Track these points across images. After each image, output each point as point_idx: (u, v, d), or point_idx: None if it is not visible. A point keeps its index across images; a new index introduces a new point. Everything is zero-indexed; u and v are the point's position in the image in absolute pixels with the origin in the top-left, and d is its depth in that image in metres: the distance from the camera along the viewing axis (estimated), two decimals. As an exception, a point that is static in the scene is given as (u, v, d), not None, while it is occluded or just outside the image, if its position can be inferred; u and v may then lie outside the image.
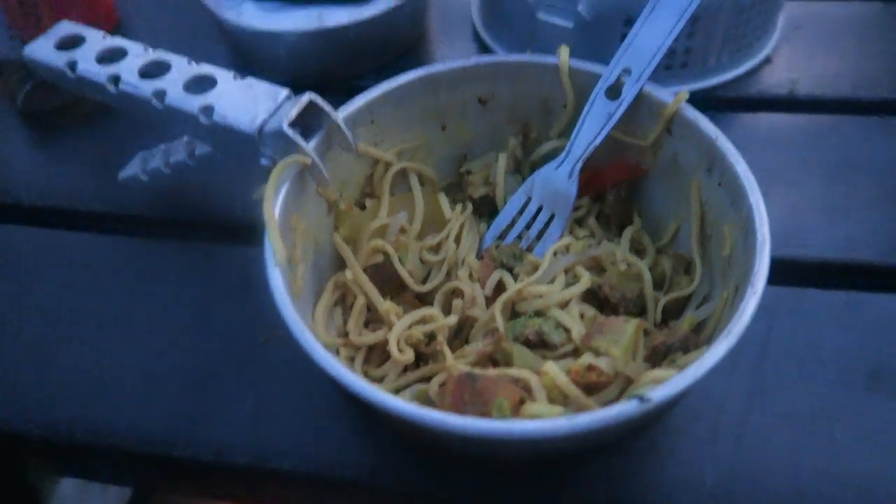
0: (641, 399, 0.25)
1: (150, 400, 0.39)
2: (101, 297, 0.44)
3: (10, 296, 0.45)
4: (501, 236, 0.41)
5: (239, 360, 0.40)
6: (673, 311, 0.37)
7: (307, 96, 0.35)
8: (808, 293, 0.41)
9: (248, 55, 0.57)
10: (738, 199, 0.33)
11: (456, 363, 0.33)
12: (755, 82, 0.54)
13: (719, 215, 0.35)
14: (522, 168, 0.43)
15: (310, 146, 0.35)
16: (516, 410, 0.29)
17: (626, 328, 0.32)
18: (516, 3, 0.53)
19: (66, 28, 0.40)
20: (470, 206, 0.42)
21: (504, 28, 0.57)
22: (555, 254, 0.38)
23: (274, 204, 0.33)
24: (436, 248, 0.40)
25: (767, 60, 0.56)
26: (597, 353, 0.31)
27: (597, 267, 0.38)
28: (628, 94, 0.38)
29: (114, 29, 0.66)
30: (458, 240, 0.40)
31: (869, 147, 0.48)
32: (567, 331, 0.33)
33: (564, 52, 0.39)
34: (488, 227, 0.42)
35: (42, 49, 0.39)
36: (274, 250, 0.32)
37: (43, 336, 0.42)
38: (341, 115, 0.37)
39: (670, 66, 0.52)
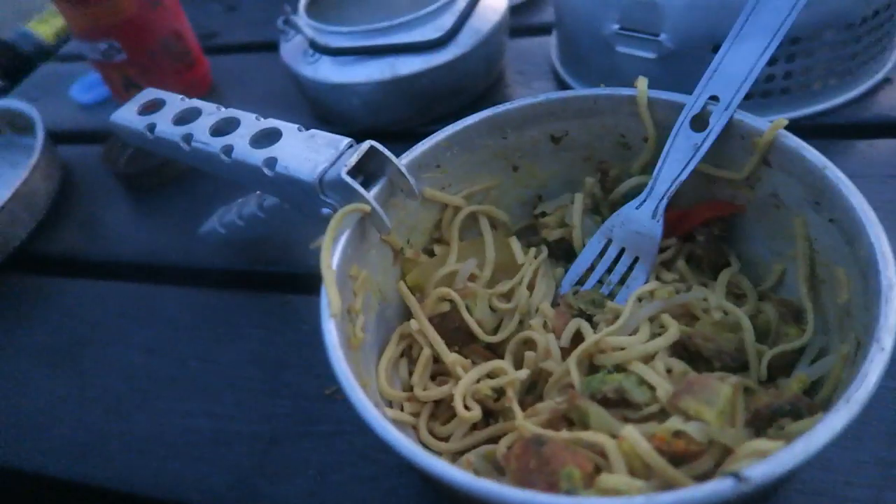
0: (738, 477, 0.21)
1: (216, 465, 0.38)
2: (179, 355, 0.45)
3: (94, 353, 0.47)
4: (580, 282, 0.38)
5: (306, 419, 0.39)
6: (781, 368, 0.32)
7: (367, 143, 0.34)
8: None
9: (326, 109, 0.58)
10: (855, 237, 0.28)
11: (525, 423, 0.30)
12: (871, 106, 0.48)
13: (832, 256, 0.30)
14: (602, 208, 0.40)
15: (371, 194, 0.34)
16: (589, 482, 0.25)
17: (722, 388, 0.27)
18: (594, 39, 0.51)
19: (149, 94, 0.42)
20: (545, 251, 0.39)
21: (583, 65, 0.55)
22: (639, 300, 0.34)
23: (332, 253, 0.32)
24: (508, 296, 0.38)
25: (887, 81, 0.50)
26: (686, 417, 0.27)
27: (687, 315, 0.34)
28: (717, 124, 0.34)
29: (206, 94, 0.69)
30: (531, 286, 0.38)
31: None
32: (652, 389, 0.29)
33: (642, 82, 0.36)
34: (565, 273, 0.39)
35: (126, 115, 0.41)
36: (329, 301, 0.30)
37: (122, 395, 0.43)
38: (404, 160, 0.36)
39: (769, 93, 0.47)
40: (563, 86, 0.57)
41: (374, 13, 0.62)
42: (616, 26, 0.48)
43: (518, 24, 0.66)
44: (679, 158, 0.35)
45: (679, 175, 0.35)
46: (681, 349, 0.32)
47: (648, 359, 0.31)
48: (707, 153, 0.35)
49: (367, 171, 0.36)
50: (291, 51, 0.57)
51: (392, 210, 0.37)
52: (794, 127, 0.47)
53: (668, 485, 0.25)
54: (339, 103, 0.56)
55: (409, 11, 0.53)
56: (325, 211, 0.35)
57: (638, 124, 0.37)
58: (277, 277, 0.48)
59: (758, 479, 0.21)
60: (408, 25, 0.53)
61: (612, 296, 0.37)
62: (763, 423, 0.27)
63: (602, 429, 0.28)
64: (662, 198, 0.36)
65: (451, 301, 0.36)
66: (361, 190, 0.33)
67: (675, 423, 0.26)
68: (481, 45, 0.54)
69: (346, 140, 0.35)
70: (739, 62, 0.34)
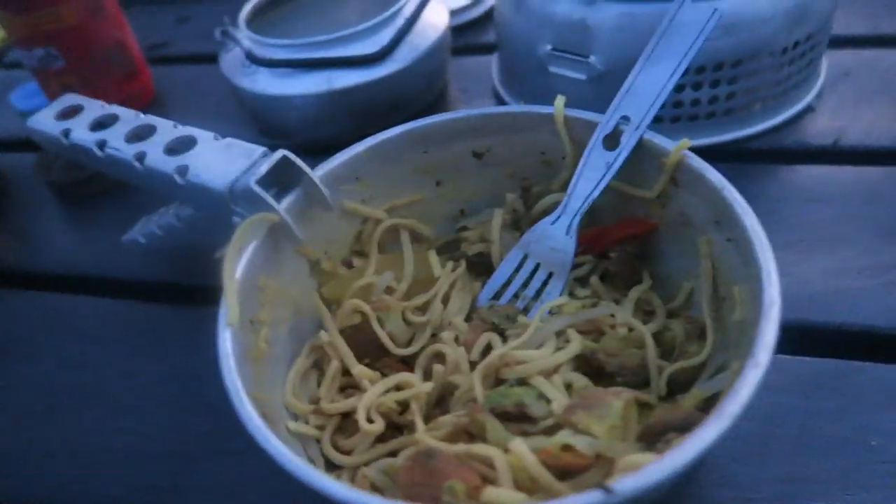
0: (606, 490, 0.21)
1: (129, 485, 0.37)
2: (97, 369, 0.44)
3: (7, 365, 0.45)
4: (498, 297, 0.38)
5: (224, 436, 0.38)
6: (683, 384, 0.32)
7: (279, 153, 0.34)
8: (856, 367, 0.35)
9: (265, 121, 0.58)
10: (748, 257, 0.28)
11: (423, 436, 0.29)
12: (795, 132, 0.50)
13: (731, 274, 0.31)
14: (522, 224, 0.40)
15: (282, 205, 0.34)
16: (475, 495, 0.25)
17: (615, 403, 0.27)
18: (530, 59, 0.51)
19: (68, 100, 0.41)
20: (463, 265, 0.39)
21: (520, 85, 0.55)
22: (551, 314, 0.34)
23: (236, 264, 0.32)
24: (423, 309, 0.37)
25: (809, 109, 0.51)
26: (577, 431, 0.27)
27: (596, 331, 0.34)
28: (628, 143, 0.34)
29: (148, 105, 0.69)
30: (446, 300, 0.37)
31: (927, 199, 0.42)
32: (550, 402, 0.29)
33: (560, 101, 0.37)
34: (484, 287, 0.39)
35: (43, 120, 0.40)
36: (227, 311, 0.30)
37: (35, 410, 0.42)
38: (319, 172, 0.36)
39: (695, 117, 0.48)
40: (502, 104, 0.58)
41: (320, 28, 0.62)
42: (549, 47, 0.49)
43: (462, 43, 0.66)
44: (592, 176, 0.35)
45: (592, 192, 0.35)
46: (586, 364, 0.32)
47: (551, 373, 0.31)
48: (621, 172, 0.35)
49: (283, 181, 0.35)
50: (231, 62, 0.57)
51: (309, 221, 0.36)
52: (724, 151, 0.49)
53: (552, 498, 0.24)
54: (276, 116, 0.56)
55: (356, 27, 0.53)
56: (237, 221, 0.34)
57: (557, 142, 0.38)
58: (199, 289, 0.47)
59: (625, 491, 0.21)
60: (346, 40, 0.53)
61: (527, 310, 0.37)
62: (654, 438, 0.27)
63: (497, 442, 0.28)
64: (576, 215, 0.36)
65: (364, 313, 0.35)
66: (270, 200, 0.33)
67: (564, 436, 0.26)
68: (420, 62, 0.54)
69: (261, 149, 0.35)
70: (650, 84, 0.34)
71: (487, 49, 0.63)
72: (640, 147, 0.34)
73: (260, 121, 0.58)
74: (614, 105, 0.35)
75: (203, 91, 0.69)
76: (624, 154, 0.34)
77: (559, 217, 0.37)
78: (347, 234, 0.39)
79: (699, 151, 0.48)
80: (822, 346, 0.37)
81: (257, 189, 0.32)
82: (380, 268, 0.39)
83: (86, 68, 0.63)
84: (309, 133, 0.56)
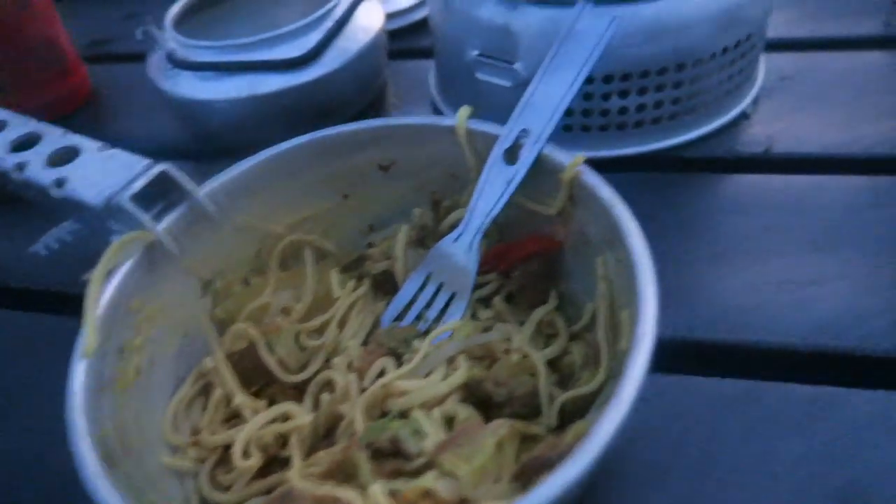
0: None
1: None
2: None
3: None
4: (401, 317, 0.37)
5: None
6: (579, 413, 0.30)
7: (158, 168, 0.32)
8: (765, 389, 0.34)
9: (190, 125, 0.56)
10: (631, 281, 0.27)
11: (293, 474, 0.28)
12: (728, 140, 0.48)
13: (623, 298, 0.29)
14: (429, 241, 0.38)
15: (164, 223, 0.32)
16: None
17: (487, 441, 0.26)
18: (459, 65, 0.50)
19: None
20: (367, 284, 0.38)
21: (452, 90, 0.54)
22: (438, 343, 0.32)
23: (103, 287, 0.30)
24: (321, 331, 0.36)
25: (744, 116, 0.50)
26: (443, 472, 0.25)
27: (490, 357, 0.32)
28: (526, 158, 0.33)
29: (82, 104, 0.66)
30: (344, 322, 0.36)
31: (854, 212, 0.41)
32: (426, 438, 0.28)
33: (464, 112, 0.35)
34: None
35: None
36: (84, 340, 0.28)
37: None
38: (208, 187, 0.34)
39: (623, 125, 0.47)
40: (438, 112, 0.56)
41: (257, 30, 0.60)
42: (475, 53, 0.47)
43: (403, 46, 0.64)
44: (493, 192, 0.34)
45: (492, 210, 0.34)
46: (475, 395, 0.31)
47: (435, 404, 0.30)
48: (524, 187, 0.34)
49: (169, 197, 0.34)
50: (155, 64, 0.55)
51: (198, 239, 0.35)
52: (652, 160, 0.48)
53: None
54: (200, 120, 0.53)
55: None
56: (115, 238, 0.32)
57: (462, 155, 0.36)
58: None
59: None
60: (270, 42, 0.51)
61: (428, 332, 0.35)
62: (531, 476, 0.26)
63: (364, 483, 0.26)
64: (476, 233, 0.34)
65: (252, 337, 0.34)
66: (143, 217, 0.31)
67: (427, 479, 0.25)
68: (349, 66, 0.52)
69: (144, 162, 0.33)
70: (549, 95, 0.33)
71: (427, 54, 0.61)
72: (540, 162, 0.33)
73: (187, 124, 0.56)
74: (514, 118, 0.33)
75: (140, 92, 0.67)
76: (523, 170, 0.33)
77: (461, 235, 0.35)
78: (246, 251, 0.37)
79: (629, 161, 0.48)
80: (736, 365, 0.36)
81: (129, 206, 0.31)
82: (279, 286, 0.37)
83: (11, 65, 0.61)
84: (235, 138, 0.53)
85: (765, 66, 0.53)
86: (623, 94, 0.45)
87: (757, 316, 0.37)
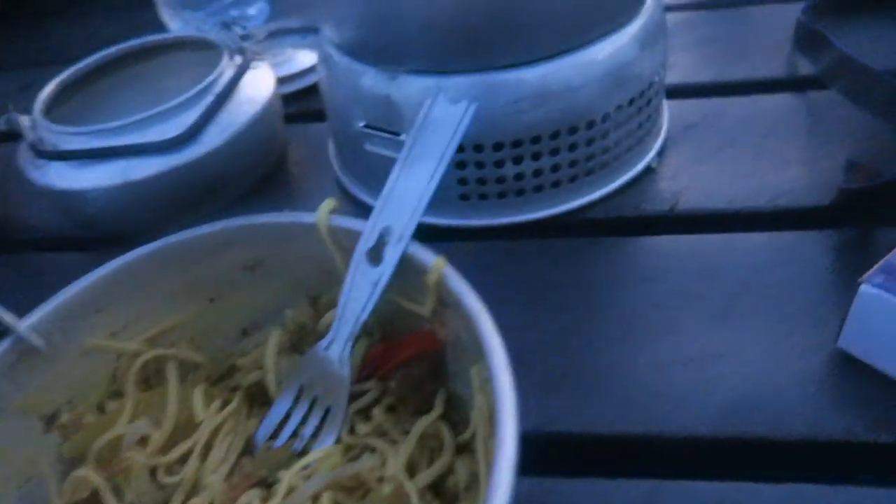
0: None
1: None
2: None
3: None
4: (276, 435, 0.33)
5: None
6: (462, 545, 0.27)
7: (-34, 302, 0.28)
8: (670, 488, 0.31)
9: (69, 214, 0.51)
10: (494, 404, 0.24)
11: None
12: (632, 199, 0.46)
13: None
14: (306, 344, 0.35)
15: (-23, 361, 0.28)
16: None
17: None
18: (348, 136, 0.47)
19: None
20: (236, 400, 0.34)
21: (347, 161, 0.51)
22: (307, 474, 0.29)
23: None
24: (183, 462, 0.32)
25: (649, 170, 0.48)
26: None
27: (362, 487, 0.29)
28: (390, 260, 0.30)
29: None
30: (209, 450, 0.32)
31: (760, 274, 0.39)
32: None
33: (326, 207, 0.32)
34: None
35: None
36: None
37: None
38: (39, 313, 0.30)
39: (522, 191, 0.44)
40: (339, 180, 0.53)
41: (142, 107, 0.56)
42: (362, 124, 0.45)
43: (305, 108, 0.62)
44: (361, 296, 0.31)
45: (360, 315, 0.31)
46: (346, 534, 0.27)
47: (295, 555, 0.26)
48: (399, 284, 0.31)
49: (-6, 326, 0.30)
50: (24, 150, 0.51)
51: (36, 371, 0.31)
52: (556, 225, 0.45)
53: None
54: (75, 209, 0.49)
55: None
56: (-75, 384, 0.28)
57: (330, 252, 0.33)
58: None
59: None
60: (144, 124, 0.47)
61: (305, 452, 0.32)
62: None
63: None
64: (347, 340, 0.31)
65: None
66: (-55, 365, 0.27)
67: None
68: (233, 142, 0.49)
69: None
70: (409, 190, 0.30)
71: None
72: (406, 261, 0.30)
73: (63, 213, 0.52)
74: (374, 215, 0.31)
75: (12, 176, 0.62)
76: (388, 272, 0.30)
77: (331, 343, 0.32)
78: (100, 374, 0.33)
79: (532, 227, 0.45)
80: (642, 462, 0.33)
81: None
82: (138, 411, 0.33)
83: None
84: (115, 226, 0.50)
85: (669, 115, 0.51)
86: (517, 160, 0.43)
87: (661, 402, 0.34)
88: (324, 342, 0.32)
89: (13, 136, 0.60)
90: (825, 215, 0.41)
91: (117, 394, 0.34)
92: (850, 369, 0.33)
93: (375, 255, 0.30)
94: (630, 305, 0.39)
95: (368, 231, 0.30)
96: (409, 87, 0.42)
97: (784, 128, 0.49)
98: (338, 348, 0.31)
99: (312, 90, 0.64)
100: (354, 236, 0.31)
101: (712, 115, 0.52)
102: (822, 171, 0.44)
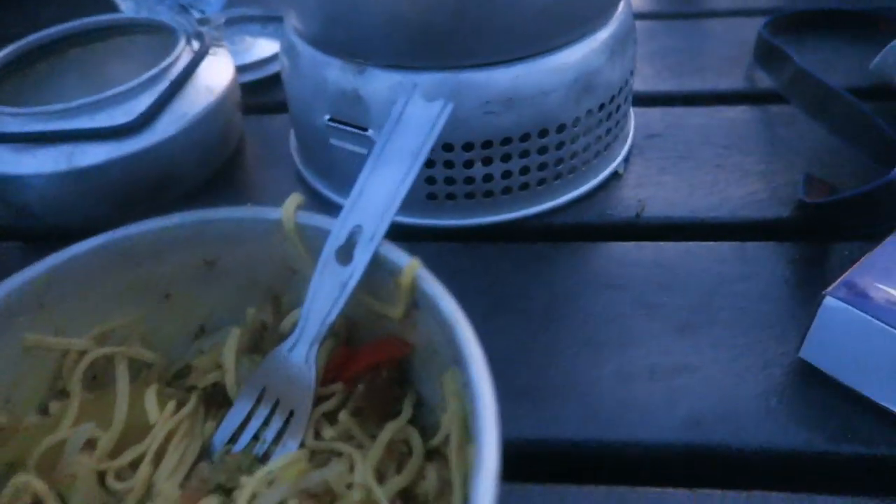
0: None
1: None
2: None
3: None
4: (235, 439, 0.31)
5: None
6: (432, 555, 0.26)
7: None
8: (638, 495, 0.31)
9: (8, 202, 0.48)
10: (473, 413, 0.23)
11: None
12: (599, 204, 0.46)
13: (472, 424, 0.25)
14: (267, 344, 0.34)
15: None
16: None
17: None
18: (312, 129, 0.45)
19: None
20: (192, 402, 0.32)
21: (309, 154, 0.49)
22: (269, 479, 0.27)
23: None
24: (134, 467, 0.30)
25: (616, 176, 0.48)
26: None
27: (329, 495, 0.28)
28: (361, 260, 0.29)
29: None
30: (162, 455, 0.30)
31: (722, 285, 0.40)
32: None
33: (292, 203, 0.31)
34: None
35: None
36: None
37: None
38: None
39: (490, 193, 0.44)
40: (300, 174, 0.51)
41: (94, 92, 0.53)
42: (327, 117, 0.43)
43: (263, 100, 0.60)
44: (328, 297, 0.29)
45: (327, 316, 0.29)
46: (311, 545, 0.26)
47: (256, 569, 0.25)
48: (368, 284, 0.29)
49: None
50: (-41, 132, 0.47)
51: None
52: (522, 228, 0.45)
53: None
54: (15, 196, 0.46)
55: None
56: None
57: (295, 250, 0.31)
58: None
59: None
60: (92, 108, 0.45)
61: (267, 456, 0.30)
62: None
63: None
64: (313, 342, 0.30)
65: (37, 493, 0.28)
66: None
67: None
68: (188, 131, 0.47)
69: None
70: (382, 188, 0.29)
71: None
72: (377, 262, 0.29)
73: (3, 202, 0.49)
74: (344, 213, 0.29)
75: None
76: (358, 272, 0.29)
77: (295, 344, 0.30)
78: (42, 372, 0.31)
79: (500, 229, 0.45)
80: (610, 469, 0.33)
81: None
82: (84, 413, 0.31)
83: None
84: (58, 217, 0.47)
85: (634, 122, 0.52)
86: (486, 161, 0.42)
87: (629, 410, 0.34)
88: (287, 343, 0.31)
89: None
90: (785, 228, 0.42)
91: (60, 394, 0.32)
92: (812, 381, 0.34)
93: (344, 255, 0.29)
94: (595, 315, 0.39)
95: (338, 229, 0.29)
96: (378, 82, 0.41)
97: (744, 140, 0.50)
98: (302, 350, 0.30)
99: (271, 81, 0.62)
100: (321, 234, 0.30)
101: (674, 125, 0.52)
102: (781, 184, 0.45)
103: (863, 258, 0.34)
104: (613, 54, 0.43)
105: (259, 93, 0.61)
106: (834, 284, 0.32)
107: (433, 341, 0.29)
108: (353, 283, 0.29)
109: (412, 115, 0.29)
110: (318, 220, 0.30)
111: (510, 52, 0.40)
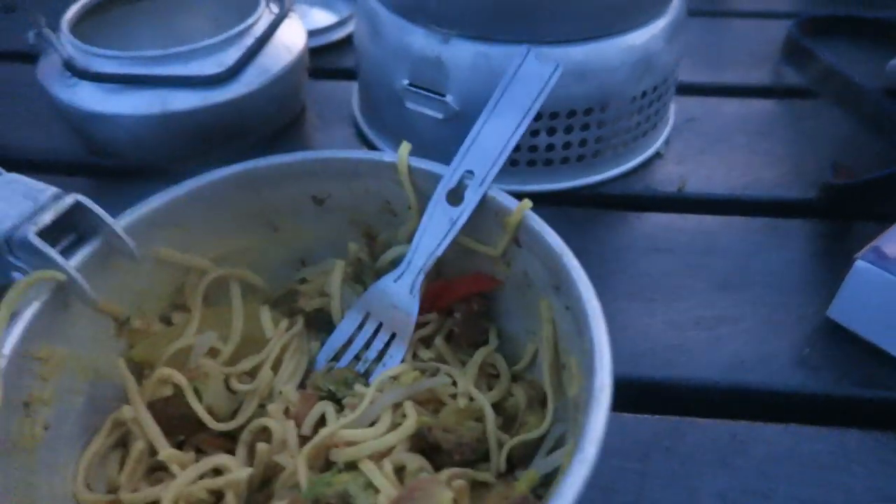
0: None
1: None
2: None
3: None
4: (338, 357, 0.35)
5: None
6: (525, 458, 0.31)
7: (70, 198, 0.29)
8: (690, 425, 0.36)
9: (89, 139, 0.51)
10: (583, 329, 0.27)
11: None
12: (644, 179, 0.51)
13: (569, 344, 0.30)
14: (366, 277, 0.37)
15: (74, 259, 0.29)
16: None
17: (444, 495, 0.25)
18: (387, 92, 0.49)
19: None
20: (300, 322, 0.36)
21: (378, 117, 0.53)
22: (381, 387, 0.31)
23: (6, 333, 0.26)
24: (252, 374, 0.34)
25: (658, 155, 0.52)
26: (400, 530, 0.24)
27: (436, 401, 0.32)
28: (471, 200, 0.33)
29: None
30: (278, 364, 0.34)
31: (758, 253, 0.44)
32: (378, 492, 0.27)
33: (405, 149, 0.34)
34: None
35: None
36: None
37: None
38: (127, 218, 0.31)
39: (550, 162, 0.48)
40: (361, 135, 0.55)
41: (161, 38, 0.56)
42: (406, 81, 0.47)
43: (324, 65, 0.63)
44: (436, 233, 0.33)
45: (435, 250, 0.33)
46: (422, 441, 0.30)
47: (384, 455, 0.29)
48: (466, 227, 0.33)
49: (80, 228, 0.30)
50: (49, 69, 0.50)
51: (114, 273, 0.31)
52: (575, 196, 0.49)
53: None
54: (101, 134, 0.49)
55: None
56: (17, 276, 0.29)
57: (401, 191, 0.35)
58: None
59: None
60: (185, 57, 0.48)
61: (368, 374, 0.34)
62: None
63: (314, 545, 0.25)
64: (419, 273, 0.34)
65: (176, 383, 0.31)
66: (54, 255, 0.28)
67: (384, 540, 0.24)
68: (269, 86, 0.50)
69: (51, 191, 0.30)
70: (494, 138, 0.33)
71: (349, 74, 0.60)
72: (484, 204, 0.33)
73: (85, 138, 0.52)
74: (457, 159, 0.33)
75: (19, 96, 0.60)
76: (467, 212, 0.33)
77: (402, 275, 0.34)
78: (167, 286, 0.35)
79: (554, 196, 0.49)
80: (662, 402, 0.37)
81: (36, 242, 0.27)
82: (204, 325, 0.34)
83: None
84: (142, 155, 0.50)
85: (675, 108, 0.56)
86: (551, 131, 0.46)
87: (678, 353, 0.39)
88: (393, 274, 0.34)
89: (16, 56, 0.59)
90: (812, 207, 0.47)
91: (181, 307, 0.35)
92: (838, 336, 0.39)
93: (454, 196, 0.33)
94: (643, 273, 0.44)
95: (450, 173, 0.33)
96: (461, 51, 0.44)
97: (773, 129, 0.55)
98: (408, 281, 0.34)
99: (327, 49, 0.65)
100: (430, 178, 0.34)
101: (710, 112, 0.57)
102: (808, 169, 0.50)
103: (887, 230, 0.38)
104: (669, 40, 0.47)
105: (315, 58, 0.64)
106: (863, 250, 0.37)
107: (528, 274, 0.33)
108: (462, 219, 0.33)
109: (526, 73, 0.33)
110: (429, 164, 0.34)
111: (583, 32, 0.44)
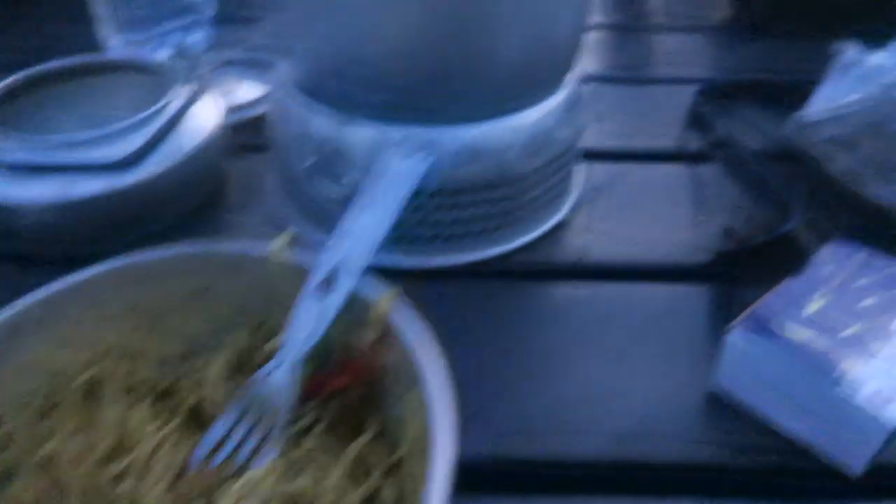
0: None
1: None
2: None
3: None
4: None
5: None
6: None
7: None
8: (573, 504, 0.36)
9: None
10: (430, 423, 0.28)
11: None
12: (546, 249, 0.52)
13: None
14: (248, 367, 0.37)
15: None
16: None
17: None
18: (293, 171, 0.50)
19: None
20: (176, 420, 0.36)
21: (287, 193, 0.54)
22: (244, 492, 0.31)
23: None
24: (122, 478, 0.33)
25: (561, 226, 0.54)
26: None
27: (305, 500, 0.31)
28: (340, 292, 0.33)
29: None
30: (149, 466, 0.33)
31: (652, 321, 0.45)
32: None
33: (283, 238, 0.35)
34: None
35: None
36: None
37: None
38: None
39: (451, 237, 0.49)
40: (274, 213, 0.55)
41: (84, 122, 0.56)
42: (311, 160, 0.48)
43: (251, 139, 0.63)
44: (306, 325, 0.34)
45: (305, 343, 0.34)
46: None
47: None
48: (343, 315, 0.34)
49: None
50: (-47, 159, 0.50)
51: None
52: (479, 269, 0.50)
53: None
54: (5, 222, 0.49)
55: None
56: None
57: (283, 282, 0.36)
58: None
59: None
60: (95, 142, 0.49)
61: (243, 470, 0.34)
62: None
63: None
64: (293, 366, 0.34)
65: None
66: None
67: None
68: (176, 169, 0.51)
69: None
70: (364, 229, 0.34)
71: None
72: (355, 295, 0.33)
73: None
74: (328, 249, 0.34)
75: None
76: (337, 303, 0.33)
77: (278, 367, 0.34)
78: (36, 391, 0.34)
79: (456, 271, 0.50)
80: (542, 482, 0.37)
81: None
82: (77, 428, 0.34)
83: None
84: (47, 246, 0.50)
85: (584, 175, 0.58)
86: (450, 207, 0.47)
87: (565, 431, 0.39)
88: (267, 367, 0.35)
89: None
90: (707, 273, 0.49)
91: (51, 410, 0.35)
92: (721, 405, 0.39)
93: (325, 288, 0.34)
94: (537, 348, 0.44)
95: (320, 265, 0.34)
96: (360, 133, 0.45)
97: (677, 194, 0.57)
98: (281, 374, 0.34)
99: (252, 124, 0.66)
100: (305, 270, 0.35)
101: (617, 178, 0.59)
102: (707, 235, 0.52)
103: (764, 296, 0.40)
104: (564, 117, 0.49)
105: (240, 133, 0.65)
106: (738, 318, 0.38)
107: (397, 366, 0.33)
108: (331, 313, 0.33)
109: (396, 167, 0.34)
110: (304, 257, 0.35)
111: (477, 114, 0.46)
